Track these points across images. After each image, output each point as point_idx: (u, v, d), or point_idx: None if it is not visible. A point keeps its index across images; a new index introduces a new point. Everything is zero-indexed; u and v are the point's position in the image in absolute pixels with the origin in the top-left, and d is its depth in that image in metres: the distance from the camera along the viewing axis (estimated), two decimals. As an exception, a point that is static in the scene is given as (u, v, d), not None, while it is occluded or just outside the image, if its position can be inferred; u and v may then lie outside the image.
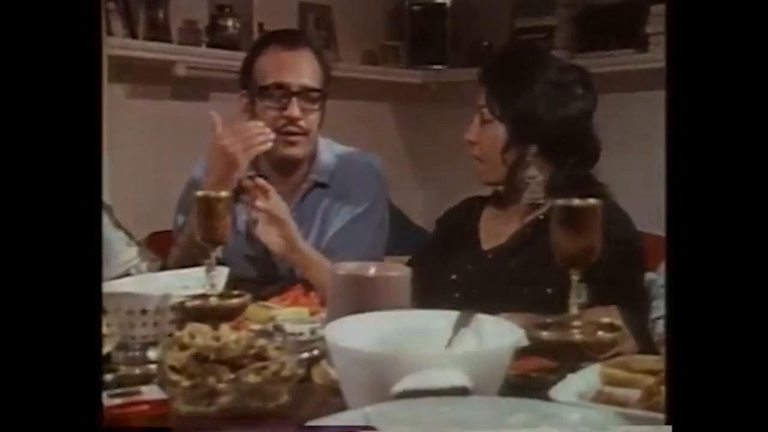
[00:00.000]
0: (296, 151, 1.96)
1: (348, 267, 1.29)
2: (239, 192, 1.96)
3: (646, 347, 1.45)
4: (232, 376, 1.05)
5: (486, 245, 1.75)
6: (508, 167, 1.70)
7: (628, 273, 1.60)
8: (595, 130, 1.72)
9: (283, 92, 1.93)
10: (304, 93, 1.94)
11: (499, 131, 1.70)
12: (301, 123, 1.94)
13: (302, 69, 1.95)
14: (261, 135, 1.87)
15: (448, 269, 1.73)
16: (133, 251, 1.87)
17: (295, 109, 1.93)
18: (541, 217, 1.69)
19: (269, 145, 1.88)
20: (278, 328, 1.34)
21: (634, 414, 0.91)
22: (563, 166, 1.68)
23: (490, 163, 1.72)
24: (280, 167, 2.00)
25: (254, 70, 1.97)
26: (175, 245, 1.92)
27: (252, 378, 1.05)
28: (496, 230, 1.76)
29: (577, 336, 1.08)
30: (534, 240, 1.68)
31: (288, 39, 2.00)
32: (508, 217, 1.76)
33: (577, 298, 1.09)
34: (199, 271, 1.26)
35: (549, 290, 1.55)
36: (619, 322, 1.15)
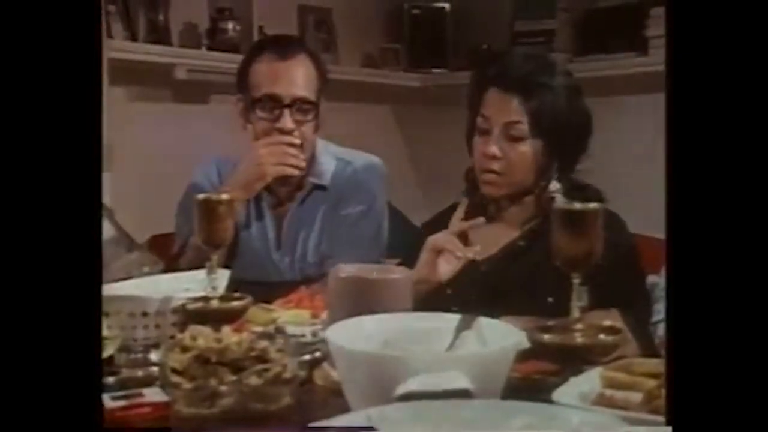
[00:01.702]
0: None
1: (349, 269, 1.30)
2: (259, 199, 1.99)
3: (648, 350, 1.45)
4: (233, 378, 1.05)
5: (477, 256, 1.73)
6: (537, 183, 1.67)
7: (627, 276, 1.60)
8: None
9: (276, 104, 1.93)
10: (296, 104, 1.93)
11: (532, 147, 1.65)
12: (295, 134, 1.93)
13: (295, 80, 1.93)
14: (294, 158, 1.91)
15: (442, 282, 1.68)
16: (134, 254, 1.87)
17: (287, 121, 1.92)
18: (535, 227, 1.68)
19: (297, 173, 1.93)
20: (280, 330, 1.34)
21: (636, 417, 0.91)
22: (568, 172, 1.67)
23: (512, 178, 1.67)
24: None
25: (248, 79, 1.96)
26: (190, 248, 1.90)
27: (254, 380, 1.05)
28: (483, 241, 1.71)
29: (578, 339, 1.08)
30: (529, 250, 1.67)
31: (281, 48, 1.97)
32: (495, 227, 1.73)
33: (578, 301, 1.09)
34: (200, 274, 1.26)
35: (551, 299, 1.54)
36: (620, 325, 1.15)
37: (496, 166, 1.67)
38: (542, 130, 1.64)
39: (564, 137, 1.65)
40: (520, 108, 1.64)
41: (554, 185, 1.64)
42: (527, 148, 1.65)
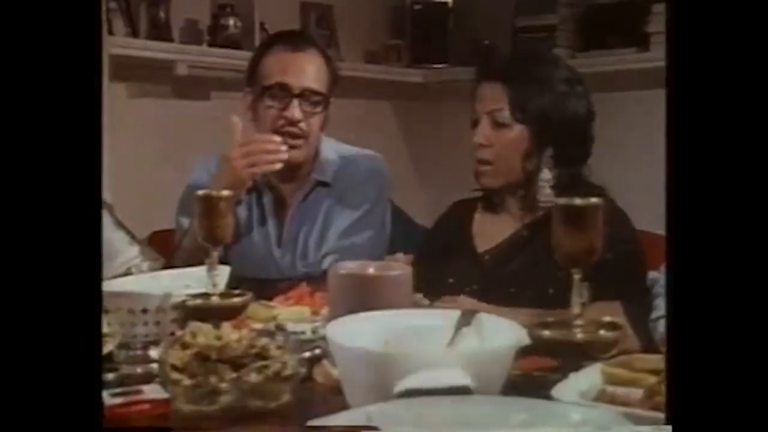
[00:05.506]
0: (295, 154, 1.95)
1: (349, 266, 1.30)
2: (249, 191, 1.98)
3: (648, 345, 1.45)
4: (233, 375, 1.05)
5: (480, 248, 1.73)
6: (526, 171, 1.67)
7: (629, 271, 1.60)
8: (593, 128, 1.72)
9: (285, 93, 1.94)
10: (306, 95, 1.94)
11: (518, 134, 1.66)
12: (302, 125, 1.94)
13: (306, 71, 1.95)
14: (271, 154, 1.88)
15: (445, 273, 1.70)
16: (134, 250, 1.87)
17: (295, 111, 1.93)
18: (539, 218, 1.68)
19: (278, 166, 1.88)
20: (280, 328, 1.34)
21: (637, 413, 0.91)
22: (567, 166, 1.67)
23: (502, 167, 1.69)
24: (282, 168, 2.00)
25: (259, 70, 1.98)
26: (181, 248, 1.90)
27: (253, 377, 1.05)
28: (488, 233, 1.74)
29: (579, 335, 1.08)
30: (532, 241, 1.67)
31: (294, 40, 2.00)
32: (501, 219, 1.74)
33: (578, 297, 1.09)
34: (200, 271, 1.26)
35: (551, 291, 1.54)
36: (620, 320, 1.15)
37: (484, 155, 1.69)
38: (526, 116, 1.65)
39: (553, 126, 1.65)
40: (503, 94, 1.67)
41: (546, 174, 1.65)
42: (512, 134, 1.67)
